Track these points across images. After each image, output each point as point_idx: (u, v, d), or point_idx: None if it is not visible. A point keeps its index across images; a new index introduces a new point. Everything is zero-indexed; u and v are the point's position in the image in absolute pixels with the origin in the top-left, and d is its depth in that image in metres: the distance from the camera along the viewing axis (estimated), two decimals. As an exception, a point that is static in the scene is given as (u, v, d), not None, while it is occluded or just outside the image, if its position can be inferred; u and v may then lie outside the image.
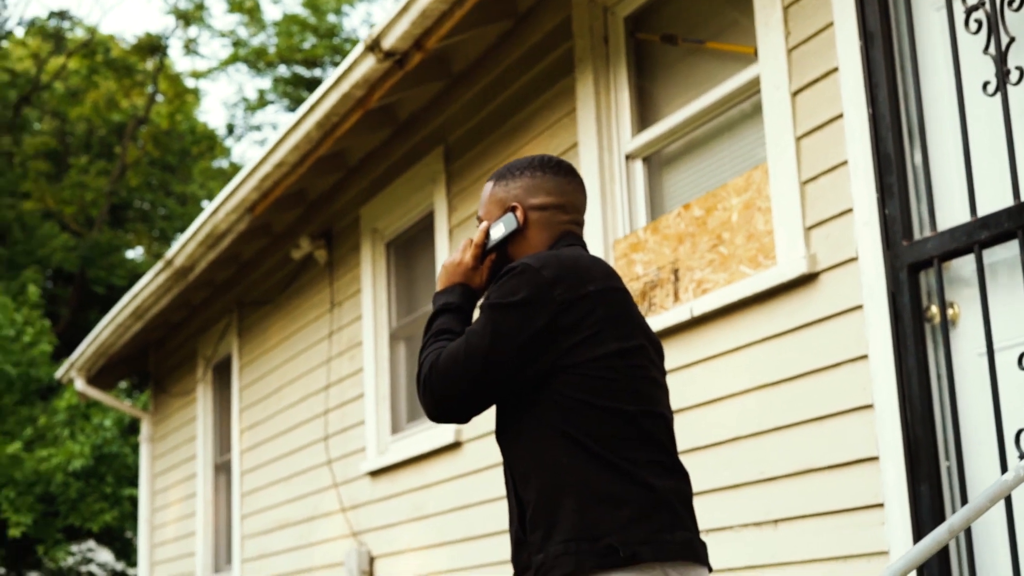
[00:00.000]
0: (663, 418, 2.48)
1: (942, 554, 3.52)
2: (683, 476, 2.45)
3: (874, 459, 3.76)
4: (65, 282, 23.63)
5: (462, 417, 2.47)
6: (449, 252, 6.08)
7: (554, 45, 5.48)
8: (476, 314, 2.54)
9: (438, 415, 2.46)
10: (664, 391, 2.53)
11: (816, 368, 4.01)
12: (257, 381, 8.49)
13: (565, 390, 2.39)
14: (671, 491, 2.40)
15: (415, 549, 6.37)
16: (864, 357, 3.81)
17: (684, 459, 4.05)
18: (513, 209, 2.64)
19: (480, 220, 2.71)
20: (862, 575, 3.77)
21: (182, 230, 22.95)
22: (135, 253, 24.89)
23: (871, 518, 3.75)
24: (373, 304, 6.94)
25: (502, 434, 2.49)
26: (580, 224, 2.69)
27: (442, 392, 2.43)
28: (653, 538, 2.33)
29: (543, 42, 5.56)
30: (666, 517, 2.36)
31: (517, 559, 2.43)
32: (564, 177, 2.69)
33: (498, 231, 2.64)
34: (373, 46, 5.51)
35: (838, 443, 3.92)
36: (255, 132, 27.46)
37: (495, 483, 5.70)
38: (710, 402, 4.40)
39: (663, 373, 2.56)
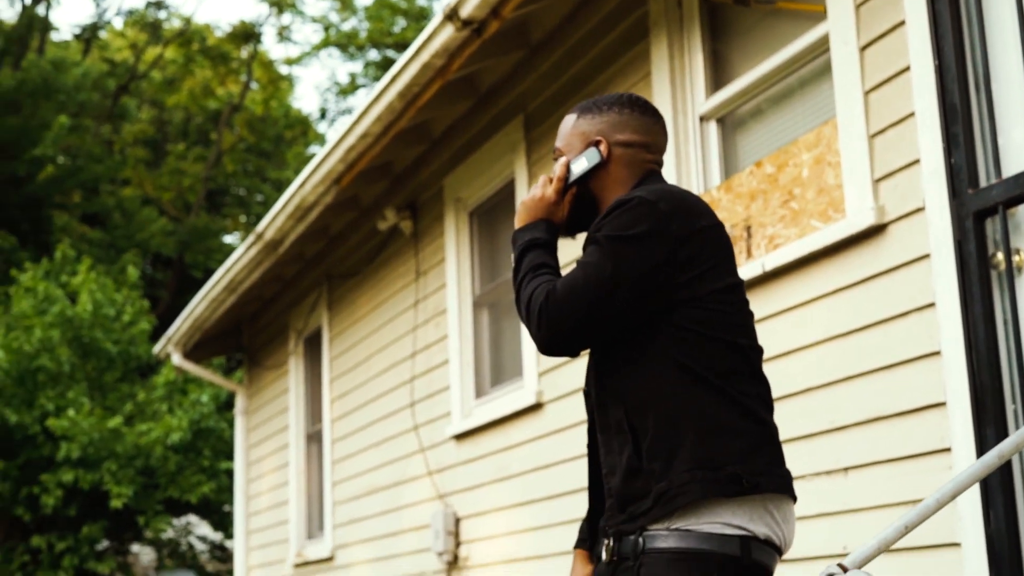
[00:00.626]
0: (762, 354, 2.54)
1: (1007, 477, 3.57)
2: (773, 413, 2.52)
3: (941, 405, 3.81)
4: (164, 266, 24.19)
5: (575, 348, 2.45)
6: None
7: (628, 11, 5.56)
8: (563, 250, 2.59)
9: (552, 345, 2.44)
10: None
11: (885, 318, 4.07)
12: (346, 352, 8.69)
13: (683, 323, 2.41)
14: (774, 426, 2.47)
15: (499, 509, 6.51)
16: (931, 305, 3.86)
17: (754, 408, 4.14)
18: (597, 143, 2.62)
19: (557, 154, 2.69)
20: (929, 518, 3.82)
21: (276, 213, 23.29)
22: (232, 238, 25.39)
23: (938, 463, 3.80)
24: (457, 272, 7.09)
25: (611, 367, 2.47)
26: (660, 166, 2.69)
27: (560, 322, 2.40)
28: (766, 470, 2.39)
29: (618, 8, 5.65)
30: (774, 451, 2.43)
31: (628, 488, 2.41)
32: (650, 117, 2.68)
33: (580, 165, 2.61)
34: (451, 15, 5.64)
35: (906, 391, 3.97)
36: (347, 116, 27.81)
37: (575, 443, 5.82)
38: (783, 355, 4.47)
39: None
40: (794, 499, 2.45)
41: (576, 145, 2.65)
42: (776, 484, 2.39)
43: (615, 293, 2.38)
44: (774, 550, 2.40)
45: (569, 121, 2.70)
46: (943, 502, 2.56)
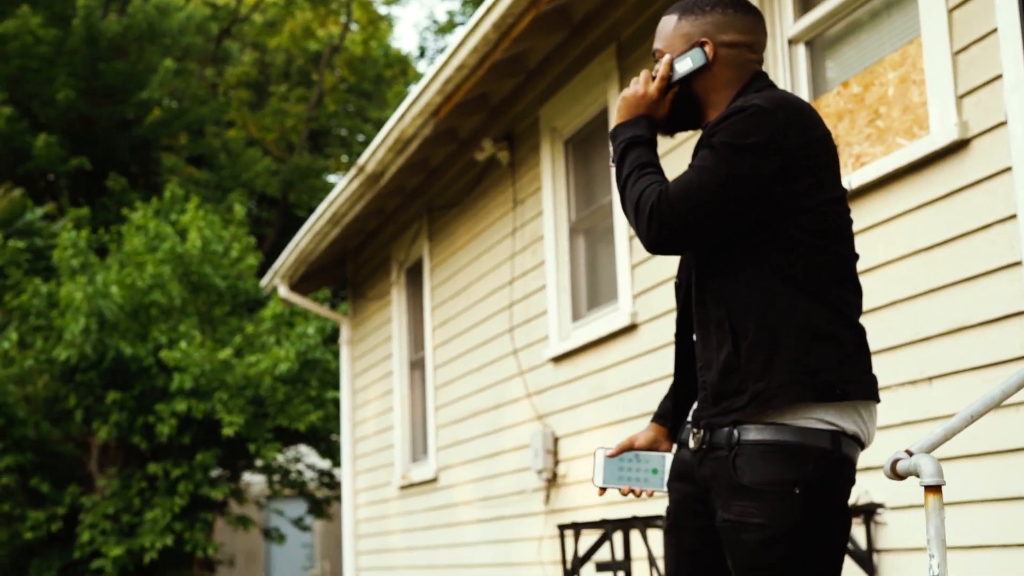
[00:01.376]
0: (858, 261, 2.58)
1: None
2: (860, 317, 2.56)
3: (1021, 314, 3.92)
4: (269, 205, 24.67)
5: (683, 249, 2.51)
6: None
7: (719, -63, 5.65)
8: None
9: (661, 245, 2.48)
10: None
11: (967, 231, 4.18)
12: (447, 281, 8.94)
13: (791, 231, 2.43)
14: (864, 332, 2.53)
15: (595, 428, 6.72)
16: (1013, 217, 3.96)
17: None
18: (702, 44, 2.60)
19: (658, 55, 2.67)
20: (1011, 423, 3.95)
21: (377, 152, 23.57)
22: (334, 177, 25.76)
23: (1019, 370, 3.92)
24: (553, 200, 7.27)
25: (715, 269, 2.51)
26: (762, 64, 2.67)
27: (672, 223, 2.43)
28: (859, 377, 2.47)
29: (708, -65, 5.73)
30: (864, 358, 2.50)
31: (724, 383, 2.46)
32: (753, 16, 2.66)
33: (684, 65, 2.59)
34: (545, -55, 5.78)
35: (989, 301, 4.09)
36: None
37: (669, 362, 5.98)
38: (870, 270, 4.59)
39: None
40: (879, 401, 2.55)
41: (678, 46, 2.62)
42: (865, 391, 2.47)
43: (727, 199, 2.41)
44: (859, 445, 2.50)
45: (670, 22, 2.67)
46: (1008, 392, 2.69)
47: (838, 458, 2.43)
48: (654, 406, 6.10)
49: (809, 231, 2.44)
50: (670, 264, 6.00)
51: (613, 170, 2.64)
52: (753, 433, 2.43)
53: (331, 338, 14.46)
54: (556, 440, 7.17)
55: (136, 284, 13.35)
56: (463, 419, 8.57)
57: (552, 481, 7.17)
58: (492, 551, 8.00)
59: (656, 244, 2.48)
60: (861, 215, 4.66)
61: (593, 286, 7.13)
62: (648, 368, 6.18)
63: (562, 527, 5.41)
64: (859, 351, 2.48)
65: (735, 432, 2.44)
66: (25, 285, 13.96)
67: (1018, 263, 3.95)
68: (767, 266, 2.44)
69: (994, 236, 4.06)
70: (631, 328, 6.34)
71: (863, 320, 2.57)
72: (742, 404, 2.43)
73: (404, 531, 9.80)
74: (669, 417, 2.80)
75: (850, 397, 2.43)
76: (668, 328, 5.99)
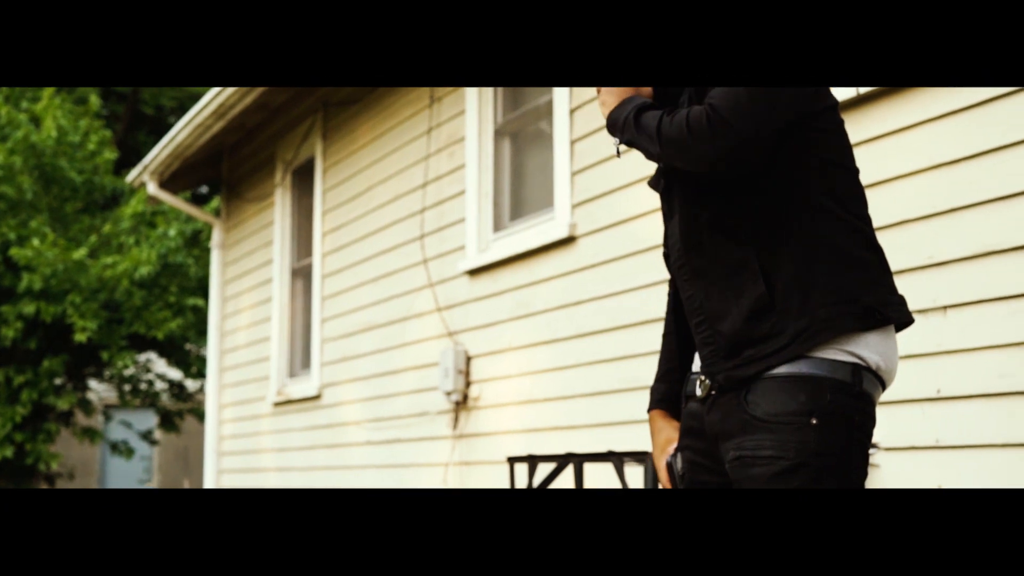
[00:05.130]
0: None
1: None
2: None
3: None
4: (118, 99, 23.42)
5: (747, 154, 2.28)
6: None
7: None
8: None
9: (727, 153, 2.26)
10: None
11: (999, 145, 3.74)
12: (343, 183, 8.27)
13: (810, 151, 2.34)
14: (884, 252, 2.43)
15: (517, 348, 6.20)
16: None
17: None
18: None
19: None
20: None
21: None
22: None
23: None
24: (478, 99, 6.67)
25: (736, 207, 2.34)
26: None
27: (730, 133, 2.24)
28: (891, 299, 2.35)
29: None
30: (892, 278, 2.40)
31: (751, 329, 2.30)
32: None
33: None
34: None
35: (1017, 225, 3.67)
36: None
37: (610, 278, 5.50)
38: (877, 184, 4.13)
39: None
40: (913, 322, 2.42)
41: None
42: (899, 312, 2.35)
43: (776, 109, 2.28)
44: (880, 382, 2.34)
45: None
46: None
47: (858, 392, 2.29)
48: (590, 326, 5.62)
49: (824, 148, 2.36)
50: (616, 173, 5.50)
51: (621, 149, 2.45)
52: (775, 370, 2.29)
53: (193, 239, 13.58)
54: (469, 360, 6.63)
55: (-18, 174, 12.32)
56: (354, 333, 7.96)
57: (462, 403, 6.63)
58: (383, 476, 7.45)
59: (721, 154, 2.26)
60: (869, 122, 4.19)
61: (518, 194, 6.57)
62: (586, 285, 5.68)
63: (512, 459, 4.88)
64: (885, 272, 2.38)
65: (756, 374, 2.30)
66: None
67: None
68: (792, 193, 2.31)
69: (1036, 151, 3.63)
70: (568, 240, 5.81)
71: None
72: (779, 346, 2.27)
73: (278, 450, 9.16)
74: (676, 399, 2.60)
75: (890, 321, 2.32)
76: (612, 242, 5.50)
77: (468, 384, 6.62)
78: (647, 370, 5.23)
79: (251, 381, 9.82)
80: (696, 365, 2.50)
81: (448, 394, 6.65)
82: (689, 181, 2.39)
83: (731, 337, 2.32)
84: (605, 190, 5.59)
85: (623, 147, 2.44)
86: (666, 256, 2.56)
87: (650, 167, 5.24)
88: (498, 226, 6.57)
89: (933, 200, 3.95)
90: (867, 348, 2.29)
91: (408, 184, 7.34)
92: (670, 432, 2.61)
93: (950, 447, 3.88)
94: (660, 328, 5.11)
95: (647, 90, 2.49)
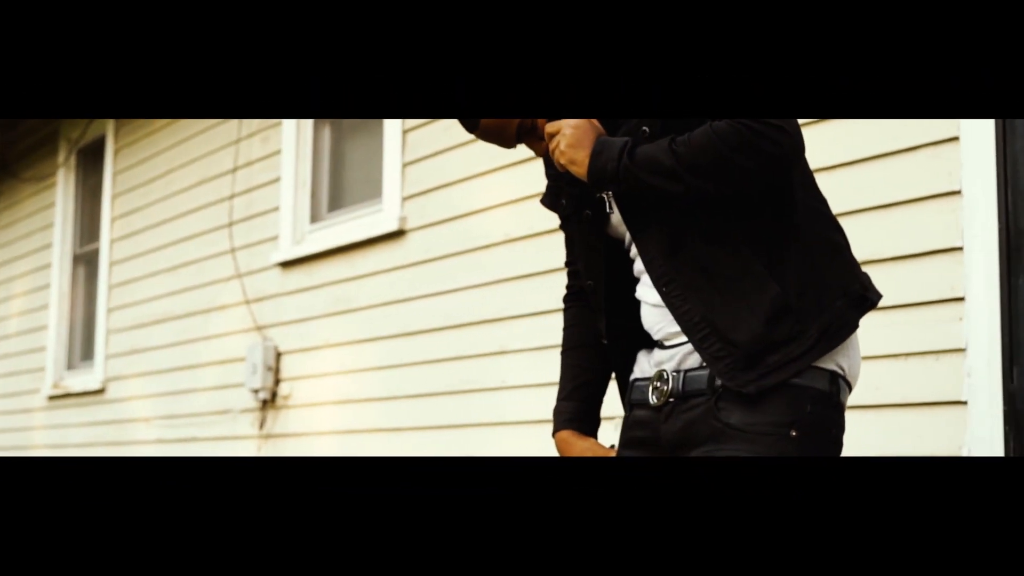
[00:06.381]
0: None
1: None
2: None
3: (958, 250, 3.45)
4: None
5: (789, 167, 2.14)
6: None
7: None
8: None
9: (794, 150, 2.10)
10: None
11: (895, 149, 3.66)
12: (138, 164, 7.79)
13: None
14: None
15: (335, 344, 5.90)
16: (955, 139, 3.49)
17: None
18: None
19: None
20: (931, 371, 3.50)
21: None
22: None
23: (948, 312, 3.46)
24: (297, 81, 6.33)
25: (738, 208, 2.14)
26: None
27: (790, 129, 2.08)
28: (866, 280, 2.27)
29: None
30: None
31: (773, 333, 2.10)
32: None
33: None
34: None
35: (916, 233, 3.59)
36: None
37: (442, 276, 5.28)
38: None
39: None
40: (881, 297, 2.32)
41: None
42: (875, 292, 2.25)
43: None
44: (848, 389, 2.22)
45: None
46: None
47: (835, 403, 2.16)
48: (418, 324, 5.38)
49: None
50: (450, 167, 5.29)
51: (615, 201, 2.24)
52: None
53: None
54: (279, 356, 6.29)
55: None
56: (146, 324, 7.49)
57: (271, 401, 6.29)
58: (176, 476, 7.01)
59: (789, 152, 2.09)
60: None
61: (338, 184, 6.27)
62: (416, 282, 5.44)
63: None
64: (850, 250, 2.28)
65: (715, 378, 2.14)
66: None
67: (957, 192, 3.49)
68: (789, 190, 2.16)
69: (927, 158, 3.59)
70: (398, 234, 5.56)
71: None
72: (806, 347, 2.10)
73: (53, 446, 8.56)
74: (592, 419, 2.42)
75: (875, 304, 2.22)
76: (443, 238, 5.29)
77: (277, 382, 6.28)
78: (481, 372, 5.04)
79: (22, 372, 9.18)
80: (640, 371, 2.31)
81: (255, 391, 6.30)
82: (665, 201, 2.16)
83: (750, 345, 2.12)
84: (439, 183, 5.37)
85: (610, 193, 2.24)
86: (572, 274, 2.44)
87: (486, 157, 5.05)
88: (315, 217, 6.25)
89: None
90: (843, 351, 2.16)
91: (216, 168, 6.94)
92: (587, 445, 2.41)
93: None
94: (499, 329, 4.97)
95: (597, 123, 2.20)
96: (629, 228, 2.24)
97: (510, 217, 4.96)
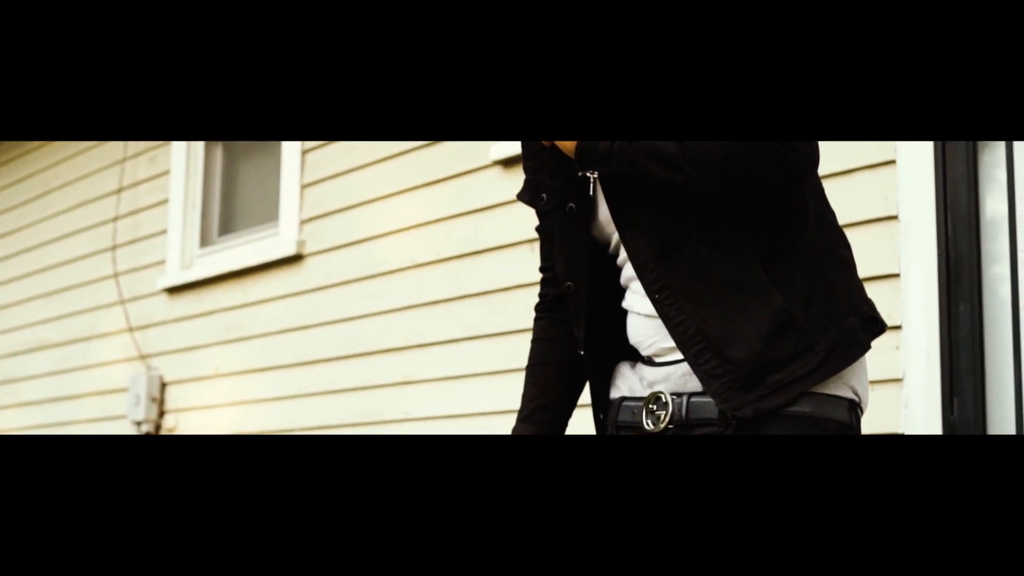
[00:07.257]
0: None
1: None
2: None
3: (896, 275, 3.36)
4: None
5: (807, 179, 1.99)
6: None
7: None
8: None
9: (814, 161, 1.95)
10: None
11: (831, 172, 3.55)
12: (13, 185, 7.41)
13: None
14: None
15: (226, 374, 5.63)
16: (892, 162, 3.39)
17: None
18: None
19: None
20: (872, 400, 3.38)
21: None
22: None
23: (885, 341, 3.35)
24: (187, 99, 6.07)
25: (728, 215, 1.96)
26: None
27: (808, 151, 1.91)
28: (871, 301, 2.08)
29: None
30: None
31: (776, 349, 1.90)
32: None
33: None
34: None
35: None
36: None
37: (344, 302, 5.06)
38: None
39: None
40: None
41: None
42: (880, 316, 2.06)
43: None
44: (861, 412, 2.03)
45: None
46: None
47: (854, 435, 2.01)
48: (320, 354, 5.14)
49: None
50: (352, 188, 5.08)
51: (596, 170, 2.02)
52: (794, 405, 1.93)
53: None
54: (164, 386, 5.99)
55: None
56: (21, 352, 7.11)
57: (154, 435, 5.98)
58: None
59: (807, 159, 1.91)
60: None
61: (230, 207, 6.01)
62: (316, 308, 5.20)
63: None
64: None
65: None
66: None
67: (893, 217, 3.39)
68: (794, 208, 1.99)
69: (865, 181, 3.49)
70: (296, 259, 5.32)
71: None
72: (812, 366, 1.91)
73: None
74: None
75: (884, 329, 2.04)
76: (345, 263, 5.08)
77: (162, 413, 5.98)
78: (384, 403, 4.83)
79: None
80: (628, 389, 2.09)
81: (137, 424, 5.98)
82: (660, 193, 1.96)
83: (749, 363, 1.90)
84: (339, 206, 5.15)
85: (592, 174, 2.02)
86: (566, 288, 2.15)
87: (391, 179, 4.85)
88: (206, 241, 5.98)
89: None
90: (855, 376, 1.98)
91: (99, 189, 6.61)
92: None
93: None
94: (404, 358, 4.76)
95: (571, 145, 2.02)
96: (616, 220, 2.02)
97: (416, 241, 4.76)
